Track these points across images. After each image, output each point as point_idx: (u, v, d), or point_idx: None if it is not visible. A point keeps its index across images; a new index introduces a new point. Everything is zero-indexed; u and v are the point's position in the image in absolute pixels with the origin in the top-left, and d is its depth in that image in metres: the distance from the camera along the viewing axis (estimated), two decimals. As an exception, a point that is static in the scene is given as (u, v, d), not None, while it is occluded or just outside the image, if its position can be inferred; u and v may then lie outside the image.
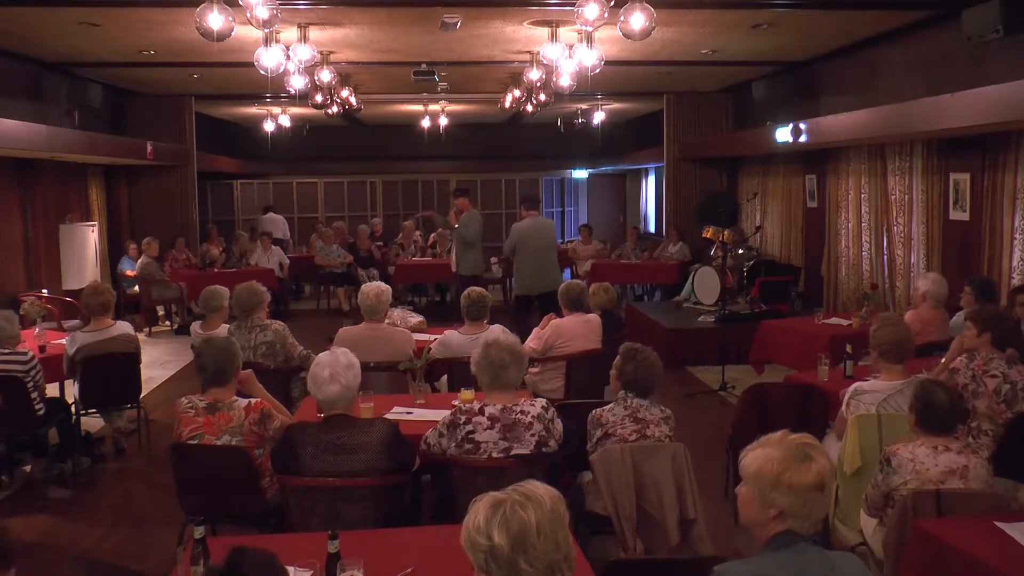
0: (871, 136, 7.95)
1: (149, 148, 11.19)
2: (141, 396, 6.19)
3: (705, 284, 10.12)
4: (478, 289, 5.67)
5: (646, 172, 17.74)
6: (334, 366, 3.43)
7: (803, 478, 2.09)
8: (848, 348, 5.20)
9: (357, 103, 11.42)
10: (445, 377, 5.37)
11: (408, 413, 4.32)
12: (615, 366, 3.88)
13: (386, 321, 5.70)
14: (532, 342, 5.74)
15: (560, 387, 5.62)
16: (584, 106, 14.30)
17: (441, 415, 3.68)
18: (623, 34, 5.85)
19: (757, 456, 2.16)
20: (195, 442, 3.70)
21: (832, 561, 2.12)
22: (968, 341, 4.46)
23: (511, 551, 1.83)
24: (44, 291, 9.33)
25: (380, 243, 14.26)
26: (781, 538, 2.11)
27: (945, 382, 3.75)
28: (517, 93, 10.88)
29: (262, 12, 5.73)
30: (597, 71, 7.23)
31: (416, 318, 6.70)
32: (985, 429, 4.14)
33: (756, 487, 2.14)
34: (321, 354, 3.56)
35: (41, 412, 5.36)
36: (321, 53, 8.62)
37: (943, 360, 4.73)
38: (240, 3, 5.71)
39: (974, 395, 4.17)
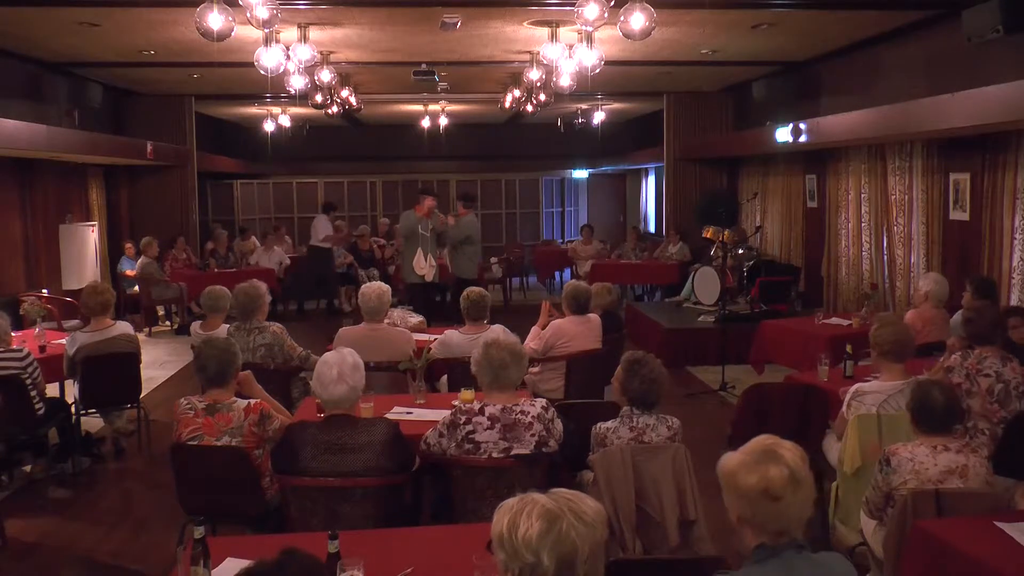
0: (871, 136, 7.96)
1: (149, 148, 11.20)
2: (141, 396, 6.19)
3: (705, 284, 10.12)
4: (478, 289, 5.68)
5: (646, 172, 17.74)
6: (342, 366, 3.42)
7: (747, 482, 2.03)
8: (848, 348, 5.20)
9: (357, 103, 11.43)
10: (445, 377, 5.37)
11: (408, 413, 4.32)
12: (617, 378, 3.76)
13: (386, 321, 5.70)
14: (532, 342, 5.73)
15: (560, 387, 5.62)
16: (584, 106, 14.30)
17: (441, 415, 3.68)
18: (623, 34, 5.85)
19: (726, 457, 2.13)
20: (195, 443, 3.70)
21: (820, 563, 2.07)
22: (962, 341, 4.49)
23: (554, 574, 1.77)
24: (44, 291, 9.33)
25: (381, 242, 14.26)
26: (761, 551, 2.06)
27: (941, 381, 3.74)
28: (517, 93, 10.88)
29: (262, 12, 5.73)
30: (597, 71, 7.23)
31: (416, 318, 6.70)
32: (981, 428, 4.14)
33: (722, 488, 2.12)
34: (328, 353, 3.55)
35: (41, 411, 5.36)
36: (321, 53, 8.63)
37: (941, 359, 4.73)
38: (240, 3, 5.71)
39: (968, 394, 4.17)
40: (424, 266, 9.09)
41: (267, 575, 1.86)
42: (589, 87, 9.20)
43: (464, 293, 5.62)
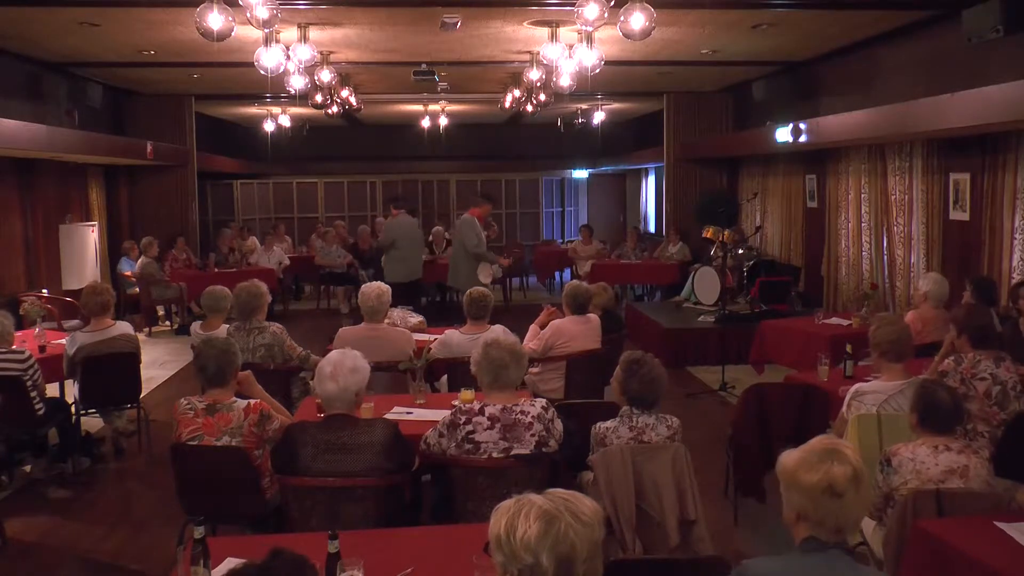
0: (871, 136, 7.96)
1: (149, 148, 11.20)
2: (141, 396, 6.19)
3: (705, 284, 10.13)
4: (480, 289, 5.67)
5: (646, 172, 17.74)
6: (336, 365, 3.44)
7: (810, 478, 2.08)
8: (848, 348, 5.20)
9: (357, 103, 11.43)
10: (445, 377, 5.37)
11: (408, 413, 4.32)
12: (616, 379, 3.76)
13: (386, 321, 5.70)
14: (532, 342, 5.74)
15: (560, 387, 5.62)
16: (584, 106, 14.30)
17: (441, 415, 3.68)
18: (623, 34, 5.85)
19: (787, 454, 2.19)
20: (195, 443, 3.70)
21: (862, 573, 2.11)
22: (956, 344, 4.48)
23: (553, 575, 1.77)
24: (44, 291, 9.33)
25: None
26: (809, 543, 2.10)
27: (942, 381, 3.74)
28: (517, 93, 10.88)
29: (262, 12, 5.73)
30: (597, 71, 7.23)
31: (416, 318, 6.70)
32: (981, 431, 4.14)
33: (782, 485, 2.17)
34: (335, 351, 3.57)
35: (41, 412, 5.36)
36: (321, 53, 8.62)
37: (934, 360, 4.73)
38: (240, 3, 5.71)
39: (965, 398, 4.14)
40: (489, 271, 8.92)
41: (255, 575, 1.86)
42: (589, 87, 9.19)
43: (467, 292, 5.63)
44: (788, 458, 2.17)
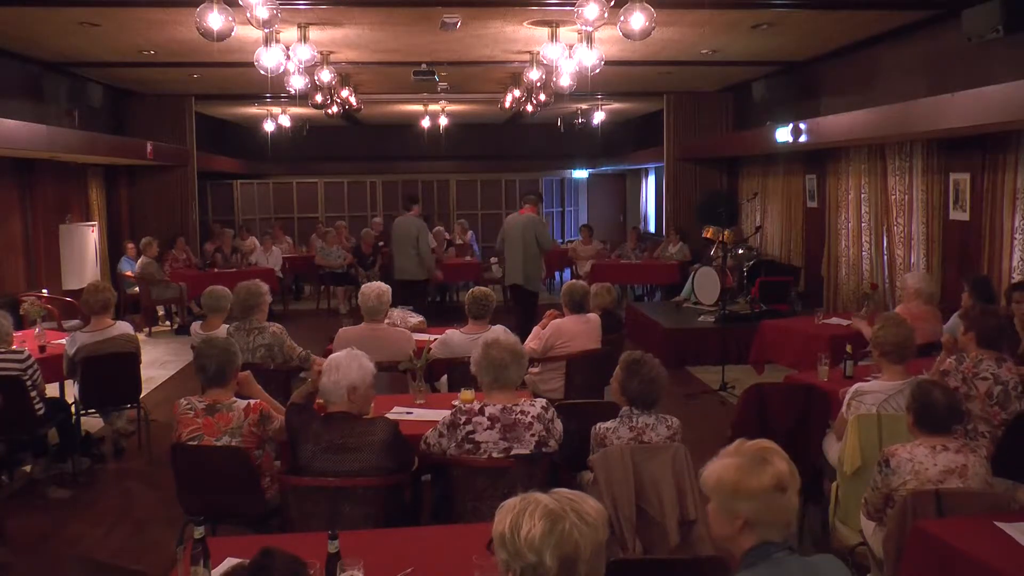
0: (871, 136, 7.96)
1: (149, 148, 11.20)
2: (141, 396, 6.19)
3: (705, 284, 10.13)
4: (483, 288, 5.68)
5: (646, 172, 17.75)
6: (333, 360, 3.50)
7: (760, 481, 2.06)
8: (848, 348, 5.20)
9: (357, 103, 11.43)
10: (445, 377, 5.37)
11: (408, 413, 4.33)
12: (616, 379, 3.76)
13: (386, 321, 5.71)
14: (532, 342, 5.74)
15: (560, 387, 5.62)
16: (584, 106, 14.31)
17: (441, 415, 3.68)
18: (623, 34, 5.85)
19: (714, 468, 2.15)
20: (195, 443, 3.70)
21: (812, 566, 2.09)
22: (960, 340, 4.47)
23: (556, 575, 1.78)
24: (44, 291, 9.32)
25: (382, 243, 14.24)
26: (755, 552, 2.07)
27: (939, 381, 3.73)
28: (517, 93, 10.89)
29: (262, 12, 5.73)
30: (597, 71, 7.23)
31: (416, 318, 6.69)
32: (982, 431, 4.13)
33: (718, 499, 2.13)
34: (349, 349, 3.61)
35: (41, 412, 5.36)
36: (321, 53, 8.63)
37: (936, 362, 4.73)
38: (240, 3, 5.71)
39: (966, 398, 4.14)
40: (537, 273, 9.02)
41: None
42: (589, 87, 9.20)
43: (469, 291, 5.64)
44: (721, 471, 2.12)
